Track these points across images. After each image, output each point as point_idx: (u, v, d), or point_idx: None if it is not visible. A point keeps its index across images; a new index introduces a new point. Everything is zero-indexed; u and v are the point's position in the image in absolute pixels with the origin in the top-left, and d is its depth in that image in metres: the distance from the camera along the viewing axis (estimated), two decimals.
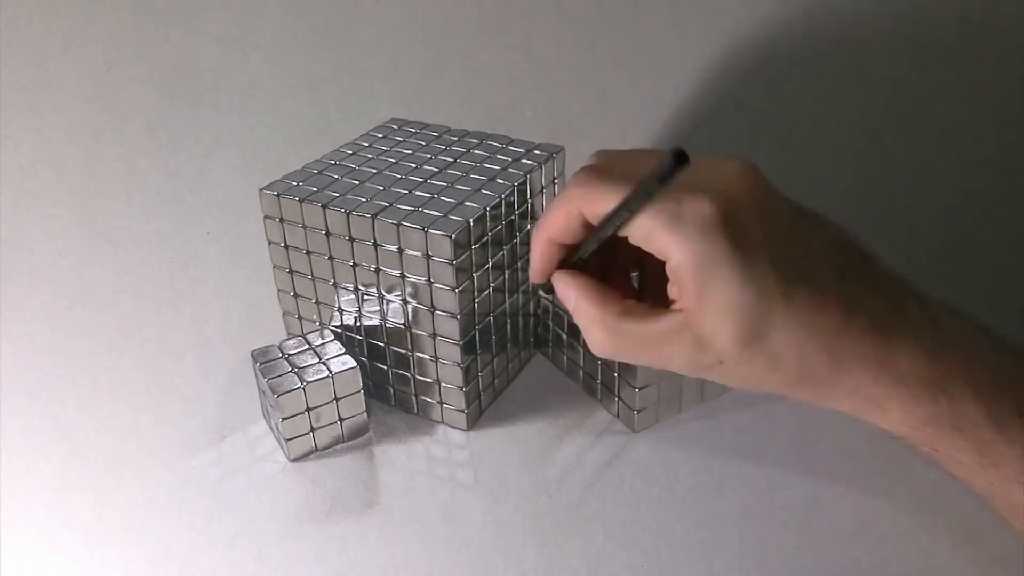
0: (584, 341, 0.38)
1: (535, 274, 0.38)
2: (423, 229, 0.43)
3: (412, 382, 0.49)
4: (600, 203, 0.33)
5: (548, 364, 0.54)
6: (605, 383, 0.49)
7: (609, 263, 0.38)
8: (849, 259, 0.34)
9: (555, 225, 0.36)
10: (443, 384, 0.48)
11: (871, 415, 0.34)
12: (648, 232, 0.32)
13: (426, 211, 0.44)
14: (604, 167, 0.35)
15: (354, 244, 0.45)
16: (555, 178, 0.51)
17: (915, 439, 0.34)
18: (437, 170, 0.49)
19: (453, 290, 0.44)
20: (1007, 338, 0.35)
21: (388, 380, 0.50)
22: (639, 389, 0.47)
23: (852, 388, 0.33)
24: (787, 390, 0.33)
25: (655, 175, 0.28)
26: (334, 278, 0.48)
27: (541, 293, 0.46)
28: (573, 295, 0.36)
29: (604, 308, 0.35)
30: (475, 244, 0.44)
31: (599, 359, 0.49)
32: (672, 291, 0.33)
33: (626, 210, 0.31)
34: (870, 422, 0.34)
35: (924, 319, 0.33)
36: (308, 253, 0.48)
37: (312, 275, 0.49)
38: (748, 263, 0.31)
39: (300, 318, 0.52)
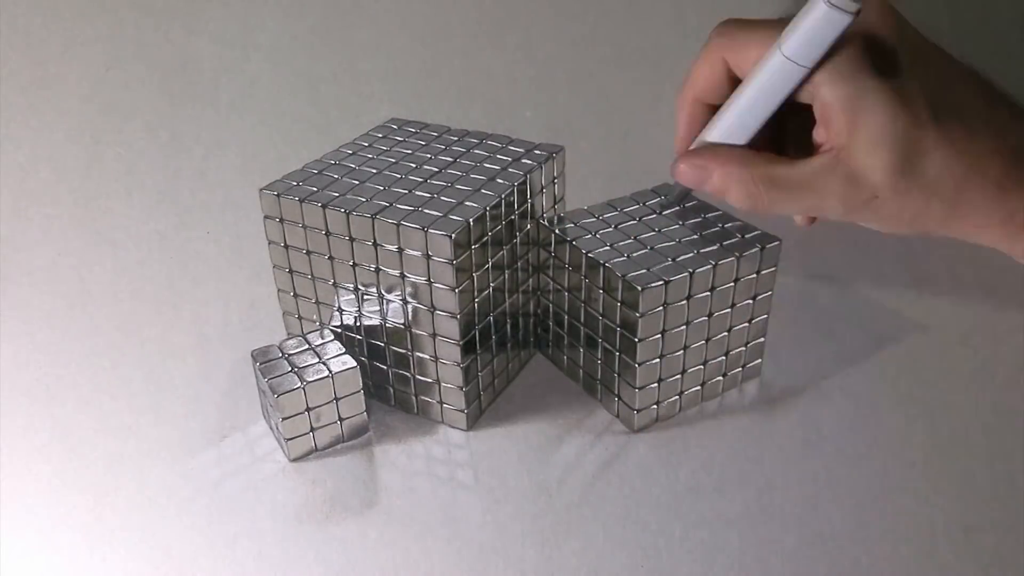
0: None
1: (681, 142, 0.37)
2: (423, 229, 0.43)
3: (412, 382, 0.49)
4: (746, 49, 0.32)
5: (548, 364, 0.54)
6: (605, 383, 0.49)
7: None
8: (990, 90, 0.33)
9: (699, 80, 0.34)
10: (443, 384, 0.48)
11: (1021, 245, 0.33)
12: None
13: (426, 211, 0.44)
14: (740, 20, 0.34)
15: (354, 244, 0.45)
16: (555, 178, 0.51)
17: None
18: (437, 170, 0.49)
19: (453, 290, 0.44)
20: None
21: (388, 380, 0.50)
22: (639, 389, 0.47)
23: (1008, 214, 0.32)
24: (942, 225, 0.33)
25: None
26: (334, 278, 0.48)
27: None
28: (714, 161, 0.34)
29: (751, 165, 0.34)
30: (475, 244, 0.44)
31: (600, 358, 0.49)
32: (818, 134, 0.33)
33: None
34: (1016, 255, 0.34)
35: None
36: (308, 253, 0.48)
37: (312, 275, 0.49)
38: (898, 91, 0.30)
39: (300, 318, 0.52)
